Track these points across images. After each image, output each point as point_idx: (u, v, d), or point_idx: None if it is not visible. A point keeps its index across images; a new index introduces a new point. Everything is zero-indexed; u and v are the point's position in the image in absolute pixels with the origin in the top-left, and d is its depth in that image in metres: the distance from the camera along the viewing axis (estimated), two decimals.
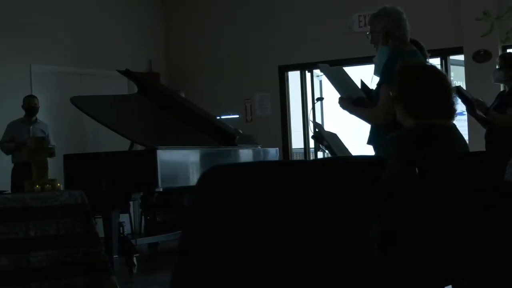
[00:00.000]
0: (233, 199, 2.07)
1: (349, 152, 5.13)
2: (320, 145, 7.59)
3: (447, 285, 3.48)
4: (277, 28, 12.73)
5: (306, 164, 2.21)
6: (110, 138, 9.67)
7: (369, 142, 5.00)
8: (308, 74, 12.91)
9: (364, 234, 2.57)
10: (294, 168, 2.23)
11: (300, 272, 2.25)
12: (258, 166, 2.14)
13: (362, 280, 2.50)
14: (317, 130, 5.32)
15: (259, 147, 10.32)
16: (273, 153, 10.55)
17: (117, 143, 9.36)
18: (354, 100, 5.09)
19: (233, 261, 2.11)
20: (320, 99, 11.60)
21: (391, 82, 4.60)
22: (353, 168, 2.51)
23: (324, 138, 4.96)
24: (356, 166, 2.56)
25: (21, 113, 10.32)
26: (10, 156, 10.26)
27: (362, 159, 2.76)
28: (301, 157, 12.99)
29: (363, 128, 5.17)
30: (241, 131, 10.90)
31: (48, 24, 11.61)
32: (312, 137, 4.90)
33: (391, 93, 3.93)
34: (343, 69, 5.37)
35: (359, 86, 5.23)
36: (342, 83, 5.24)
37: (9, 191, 8.30)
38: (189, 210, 2.15)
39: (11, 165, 10.21)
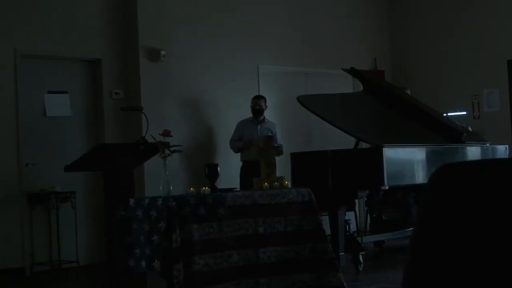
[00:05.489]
0: (467, 198, 2.01)
1: None
2: None
3: None
4: (505, 21, 12.28)
5: None
6: (336, 136, 9.72)
7: None
8: None
9: None
10: None
11: None
12: (493, 164, 2.05)
13: None
14: None
15: (488, 144, 10.00)
16: (502, 150, 10.18)
17: (343, 141, 9.40)
18: None
19: (465, 262, 2.04)
20: None
21: None
22: None
23: None
24: None
25: (250, 112, 10.60)
26: (238, 154, 10.57)
27: None
28: None
29: None
30: (470, 128, 10.61)
31: (274, 25, 11.87)
32: None
33: None
34: None
35: None
36: None
37: (238, 189, 8.54)
38: (420, 208, 2.10)
39: (239, 163, 10.51)
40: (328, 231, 7.63)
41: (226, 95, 11.07)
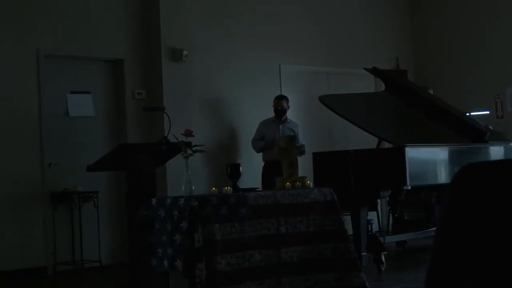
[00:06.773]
0: (490, 198, 1.99)
1: None
2: None
3: None
4: None
5: None
6: (357, 136, 9.70)
7: None
8: None
9: None
10: None
11: None
12: None
13: None
14: None
15: (511, 144, 9.93)
16: None
17: (365, 140, 9.38)
18: None
19: (488, 262, 2.02)
20: None
21: None
22: None
23: None
24: None
25: (272, 112, 10.59)
26: (260, 154, 10.56)
27: None
28: None
29: None
30: (490, 127, 10.55)
31: (297, 25, 11.85)
32: None
33: None
34: None
35: None
36: None
37: (260, 188, 8.53)
38: (442, 208, 2.09)
39: (261, 163, 10.50)
40: (350, 231, 7.61)
41: (248, 95, 11.06)
